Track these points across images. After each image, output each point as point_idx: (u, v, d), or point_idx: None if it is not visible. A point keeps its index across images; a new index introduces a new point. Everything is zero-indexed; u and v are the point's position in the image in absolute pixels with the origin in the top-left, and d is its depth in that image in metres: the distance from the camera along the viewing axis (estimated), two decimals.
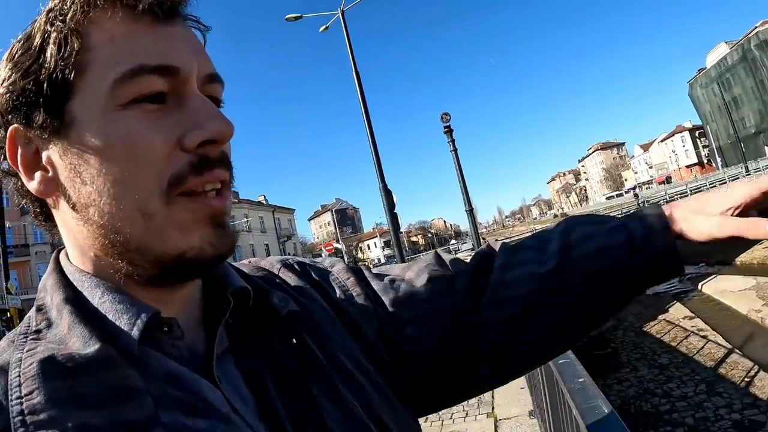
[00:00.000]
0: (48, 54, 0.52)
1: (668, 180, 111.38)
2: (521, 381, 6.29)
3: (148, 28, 0.54)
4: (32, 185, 0.56)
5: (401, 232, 21.32)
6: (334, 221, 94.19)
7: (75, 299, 0.56)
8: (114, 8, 0.53)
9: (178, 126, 0.54)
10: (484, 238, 19.19)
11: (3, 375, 0.49)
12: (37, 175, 0.56)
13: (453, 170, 9.03)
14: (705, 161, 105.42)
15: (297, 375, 0.63)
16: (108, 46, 0.52)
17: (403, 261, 19.07)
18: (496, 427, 5.31)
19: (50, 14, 0.53)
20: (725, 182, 36.80)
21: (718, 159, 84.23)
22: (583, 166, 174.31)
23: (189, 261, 0.55)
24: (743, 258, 26.92)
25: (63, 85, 0.52)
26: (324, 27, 20.19)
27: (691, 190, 33.41)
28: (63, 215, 0.58)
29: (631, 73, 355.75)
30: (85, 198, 0.54)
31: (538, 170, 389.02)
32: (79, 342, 0.51)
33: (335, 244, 42.78)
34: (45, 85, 0.52)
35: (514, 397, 5.96)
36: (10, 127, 0.55)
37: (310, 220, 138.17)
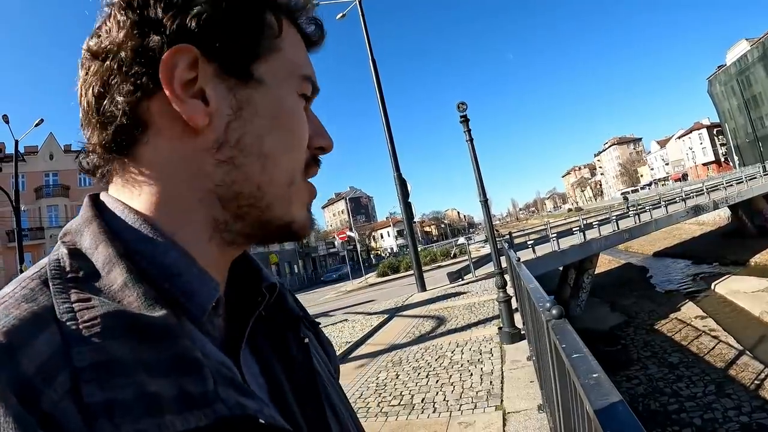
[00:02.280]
0: (259, 14, 0.59)
1: (684, 177, 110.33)
2: (531, 375, 6.29)
3: (306, 51, 0.67)
4: (184, 107, 0.54)
5: (415, 222, 21.32)
6: (347, 209, 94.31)
7: (132, 254, 0.52)
8: (294, 26, 0.65)
9: (310, 127, 0.65)
10: (497, 230, 19.16)
11: (52, 324, 0.44)
12: (194, 102, 0.55)
13: (468, 161, 8.95)
14: (722, 159, 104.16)
15: (307, 372, 0.68)
16: (293, 48, 0.64)
17: (416, 250, 19.17)
18: (504, 420, 5.29)
19: None
20: (741, 181, 36.36)
21: (736, 158, 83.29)
22: (598, 160, 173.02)
23: (291, 229, 0.63)
24: (757, 259, 26.67)
25: (260, 48, 0.59)
26: (341, 14, 20.14)
27: (707, 189, 32.99)
28: (189, 149, 0.56)
29: (651, 68, 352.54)
30: (249, 148, 0.57)
31: (553, 163, 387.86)
32: (139, 303, 0.48)
33: (348, 232, 42.76)
34: (250, 34, 0.58)
35: (523, 391, 5.96)
36: (182, 44, 0.54)
37: (323, 207, 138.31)
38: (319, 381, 0.69)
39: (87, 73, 0.57)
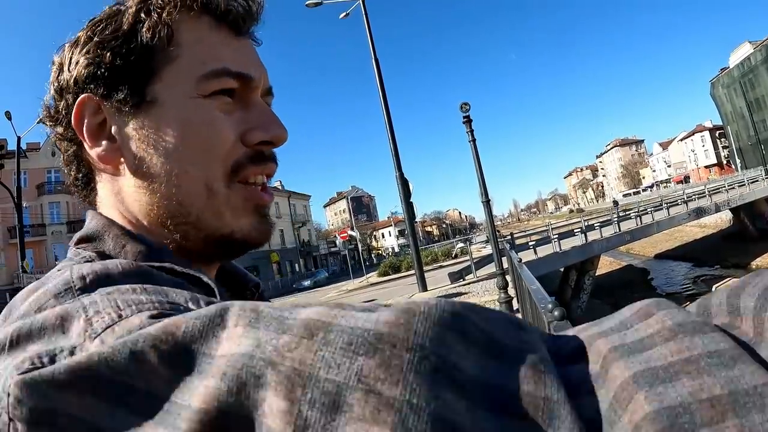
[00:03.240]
0: (140, 38, 0.59)
1: (686, 179, 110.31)
2: None
3: (228, 39, 0.64)
4: (96, 151, 0.60)
5: (416, 222, 21.31)
6: (349, 209, 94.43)
7: (158, 253, 0.58)
8: (201, 15, 0.62)
9: (243, 123, 0.63)
10: (498, 231, 19.15)
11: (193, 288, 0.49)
12: (104, 143, 0.60)
13: (470, 161, 8.97)
14: (724, 162, 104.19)
15: None
16: (196, 46, 0.61)
17: (417, 250, 19.13)
18: None
19: (144, 3, 0.60)
20: (743, 184, 36.33)
21: (738, 160, 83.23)
22: (600, 162, 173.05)
23: (235, 241, 0.63)
24: (759, 262, 26.66)
25: (150, 69, 0.59)
26: (345, 13, 20.14)
27: (709, 191, 32.96)
28: (119, 184, 0.62)
29: (654, 70, 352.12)
30: (156, 169, 0.59)
31: (555, 164, 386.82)
32: (177, 296, 0.48)
33: (350, 232, 42.71)
34: (133, 65, 0.59)
35: None
36: (82, 95, 0.59)
37: (325, 206, 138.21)
38: None
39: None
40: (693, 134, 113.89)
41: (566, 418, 0.27)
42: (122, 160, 0.60)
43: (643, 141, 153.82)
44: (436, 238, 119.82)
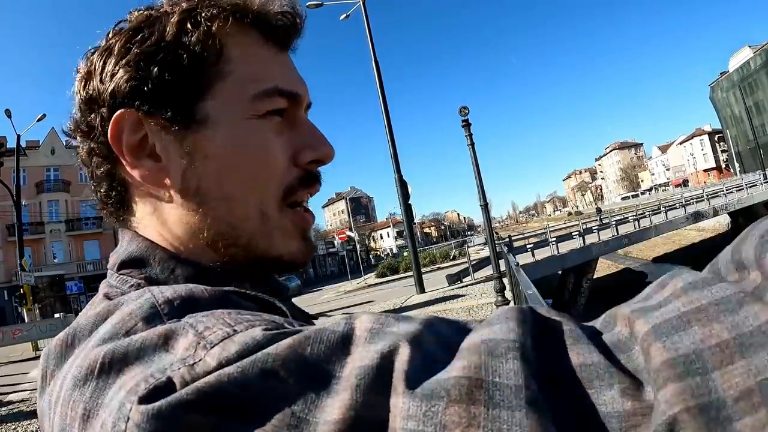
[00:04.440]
0: (189, 52, 0.56)
1: (685, 183, 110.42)
2: None
3: (276, 56, 0.62)
4: (138, 171, 0.56)
5: (415, 223, 21.33)
6: (348, 209, 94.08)
7: (210, 273, 0.56)
8: (250, 29, 0.60)
9: (293, 143, 0.61)
10: (497, 233, 19.18)
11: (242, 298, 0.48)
12: (146, 161, 0.57)
13: (469, 163, 8.99)
14: (723, 166, 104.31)
15: None
16: (246, 62, 0.59)
17: (415, 252, 19.15)
18: None
19: (189, 13, 0.57)
20: (742, 188, 36.37)
21: (737, 164, 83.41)
22: (599, 164, 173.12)
23: (283, 263, 0.62)
24: None
25: (200, 85, 0.57)
26: (345, 15, 20.17)
27: (707, 195, 32.99)
28: (162, 204, 0.59)
29: (653, 73, 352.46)
30: (208, 192, 0.57)
31: (554, 167, 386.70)
32: (272, 318, 0.49)
33: (348, 232, 42.67)
34: (181, 80, 0.56)
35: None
36: (120, 111, 0.55)
37: (323, 207, 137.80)
38: None
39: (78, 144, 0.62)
40: (692, 138, 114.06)
41: (606, 378, 0.30)
42: (167, 181, 0.57)
43: (642, 144, 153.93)
44: (435, 240, 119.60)
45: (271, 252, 0.60)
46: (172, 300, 0.44)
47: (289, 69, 0.64)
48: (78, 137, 0.60)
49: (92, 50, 0.59)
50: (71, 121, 0.61)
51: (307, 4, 19.78)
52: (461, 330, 0.36)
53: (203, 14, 0.56)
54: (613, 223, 25.55)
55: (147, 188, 0.58)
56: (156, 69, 0.54)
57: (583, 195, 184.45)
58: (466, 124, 8.69)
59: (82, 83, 0.58)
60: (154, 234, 0.59)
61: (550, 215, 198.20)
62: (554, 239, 21.81)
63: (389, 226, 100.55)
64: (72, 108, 0.60)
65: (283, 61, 0.64)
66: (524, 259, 18.85)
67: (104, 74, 0.56)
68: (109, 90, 0.55)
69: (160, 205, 0.59)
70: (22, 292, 23.17)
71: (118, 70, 0.55)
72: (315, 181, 0.64)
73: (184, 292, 0.45)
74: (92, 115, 0.57)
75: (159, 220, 0.59)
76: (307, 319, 0.73)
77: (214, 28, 0.57)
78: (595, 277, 23.28)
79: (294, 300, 0.73)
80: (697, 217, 29.31)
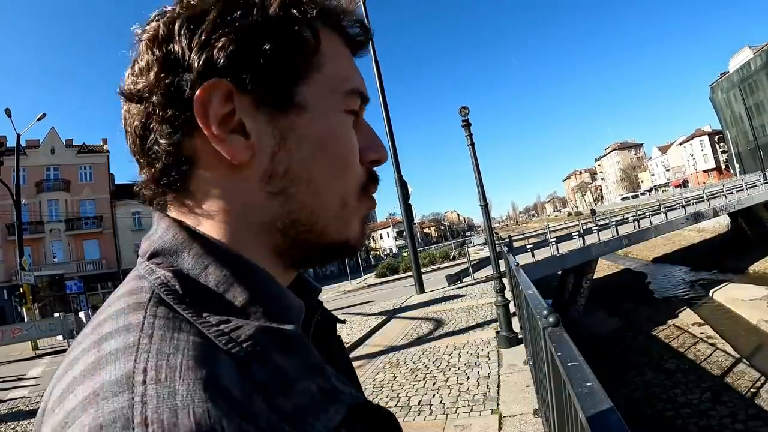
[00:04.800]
0: (295, 33, 0.56)
1: (685, 184, 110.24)
2: (527, 379, 6.31)
3: (351, 58, 0.65)
4: (224, 146, 0.54)
5: (414, 223, 21.34)
6: None
7: (248, 274, 0.53)
8: (333, 31, 0.62)
9: (359, 142, 0.64)
10: (497, 233, 19.17)
11: (218, 350, 0.46)
12: (235, 137, 0.54)
13: (468, 163, 8.96)
14: (723, 167, 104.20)
15: (347, 370, 0.72)
16: (335, 60, 0.61)
17: (415, 252, 19.16)
18: (500, 423, 5.31)
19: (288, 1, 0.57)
20: (742, 189, 36.33)
21: (737, 165, 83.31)
22: (599, 165, 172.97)
23: (349, 247, 0.63)
24: (756, 267, 26.68)
25: (299, 69, 0.57)
26: None
27: (707, 196, 32.95)
28: (237, 184, 0.56)
29: (653, 74, 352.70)
30: (297, 176, 0.57)
31: (554, 167, 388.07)
32: (266, 319, 0.50)
33: None
34: (284, 60, 0.55)
35: (519, 395, 5.98)
36: (213, 79, 0.52)
37: None
38: (355, 374, 0.74)
39: (129, 111, 0.57)
40: (692, 138, 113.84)
41: None
42: (255, 160, 0.55)
43: (642, 145, 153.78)
44: (435, 240, 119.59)
45: (341, 238, 0.62)
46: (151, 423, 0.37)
47: (361, 73, 0.66)
48: (135, 98, 0.55)
49: (160, 14, 0.56)
50: (131, 81, 0.56)
51: None
52: None
53: (305, 3, 0.57)
54: (613, 223, 25.49)
55: (223, 167, 0.55)
56: (261, 44, 0.54)
57: (583, 195, 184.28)
58: (466, 124, 8.67)
59: (156, 43, 0.54)
60: (205, 220, 0.57)
61: (549, 215, 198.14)
62: (554, 239, 21.77)
63: (389, 226, 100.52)
64: (130, 67, 0.57)
65: (356, 66, 0.66)
66: (524, 259, 18.86)
67: (195, 40, 0.53)
68: (202, 57, 0.52)
69: (232, 186, 0.56)
70: (21, 291, 23.19)
71: (217, 38, 0.52)
72: (377, 181, 0.66)
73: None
74: (170, 79, 0.53)
75: (225, 200, 0.56)
76: (334, 323, 0.75)
77: (314, 16, 0.58)
78: (594, 277, 23.26)
79: None
80: (697, 217, 29.26)
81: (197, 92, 0.52)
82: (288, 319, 0.52)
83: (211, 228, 0.56)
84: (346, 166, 0.61)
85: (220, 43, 0.52)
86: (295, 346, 0.50)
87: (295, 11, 0.56)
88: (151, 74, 0.54)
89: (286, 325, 0.50)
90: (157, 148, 0.55)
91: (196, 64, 0.52)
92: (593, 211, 52.02)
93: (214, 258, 0.53)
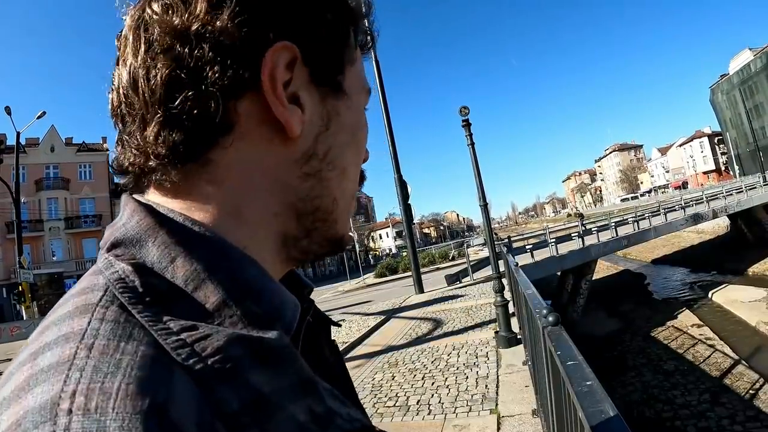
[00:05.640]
0: (349, 19, 0.56)
1: (685, 185, 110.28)
2: (526, 379, 6.31)
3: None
4: (285, 114, 0.49)
5: (414, 223, 21.35)
6: None
7: (221, 267, 0.44)
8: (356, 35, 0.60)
9: None
10: (496, 233, 19.17)
11: (174, 365, 0.37)
12: (294, 108, 0.50)
13: (468, 163, 8.96)
14: (723, 168, 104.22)
15: (341, 375, 0.67)
16: (359, 58, 0.61)
17: (414, 252, 19.16)
18: (498, 424, 5.31)
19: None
20: (741, 191, 36.34)
21: (736, 167, 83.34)
22: (599, 166, 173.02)
23: (343, 243, 0.61)
24: (755, 268, 26.69)
25: (345, 57, 0.56)
26: None
27: (707, 197, 32.95)
28: (269, 159, 0.51)
29: (654, 75, 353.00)
30: (333, 159, 0.55)
31: (553, 168, 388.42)
32: (243, 325, 0.42)
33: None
34: (341, 42, 0.55)
35: (518, 395, 5.98)
36: (287, 42, 0.48)
37: None
38: (352, 383, 0.69)
39: (149, 51, 0.47)
40: (692, 140, 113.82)
41: None
42: (303, 136, 0.52)
43: (641, 146, 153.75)
44: (434, 240, 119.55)
45: (342, 231, 0.60)
46: None
47: None
48: (191, 34, 0.46)
49: None
50: (178, 17, 0.46)
51: None
52: None
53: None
54: (612, 224, 25.50)
55: (264, 139, 0.50)
56: (329, 19, 0.53)
57: (582, 196, 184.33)
58: (466, 124, 8.67)
59: None
60: (207, 200, 0.49)
61: (549, 216, 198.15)
62: (553, 240, 21.76)
63: (388, 227, 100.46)
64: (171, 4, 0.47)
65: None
66: (523, 260, 18.85)
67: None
68: (279, 14, 0.49)
69: (269, 161, 0.51)
70: (20, 289, 23.16)
71: (301, 2, 0.50)
72: (365, 178, 0.67)
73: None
74: (242, 26, 0.47)
75: (252, 177, 0.50)
76: (328, 324, 0.69)
77: (360, 15, 0.59)
78: (594, 278, 23.25)
79: None
80: (696, 219, 29.27)
81: (270, 49, 0.47)
82: (275, 323, 0.45)
83: (206, 208, 0.49)
84: (361, 159, 0.62)
85: (302, 8, 0.50)
86: (280, 360, 0.42)
87: (352, 6, 0.57)
88: (225, 14, 0.46)
89: (269, 333, 0.42)
90: (196, 102, 0.46)
91: (275, 18, 0.48)
92: (581, 215, 51.01)
93: (183, 248, 0.44)
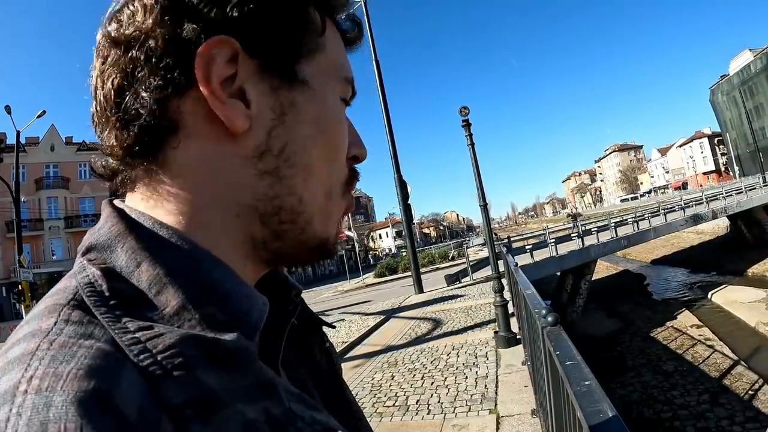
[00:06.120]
0: (306, 6, 0.54)
1: (684, 186, 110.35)
2: (525, 379, 6.31)
3: (344, 50, 0.62)
4: (224, 111, 0.48)
5: (414, 223, 21.36)
6: None
7: (185, 271, 0.46)
8: (332, 21, 0.59)
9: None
10: (496, 234, 19.20)
11: (125, 360, 0.39)
12: (236, 102, 0.49)
13: (468, 163, 8.96)
14: (723, 169, 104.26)
15: (333, 378, 0.66)
16: (335, 46, 0.58)
17: (414, 252, 19.17)
18: (497, 423, 5.32)
19: None
20: (741, 191, 36.33)
21: (736, 167, 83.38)
22: (599, 166, 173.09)
23: (327, 248, 0.58)
24: (755, 269, 26.70)
25: (305, 45, 0.53)
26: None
27: (706, 198, 32.95)
28: (222, 159, 0.50)
29: (654, 76, 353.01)
30: (290, 156, 0.52)
31: (553, 168, 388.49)
32: (202, 327, 0.43)
33: (347, 232, 42.58)
34: (294, 30, 0.52)
35: (517, 395, 5.99)
36: (222, 36, 0.47)
37: None
38: (344, 387, 0.68)
39: (105, 63, 0.50)
40: (692, 141, 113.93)
41: None
42: (251, 132, 0.50)
43: (641, 147, 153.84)
44: (434, 240, 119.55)
45: (322, 234, 0.57)
46: None
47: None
48: (125, 43, 0.48)
49: None
50: (116, 24, 0.49)
51: None
52: None
53: None
54: (612, 225, 25.50)
55: (211, 137, 0.50)
56: (276, 8, 0.50)
57: (582, 197, 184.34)
58: (467, 124, 8.68)
59: None
60: (168, 201, 0.50)
61: (548, 217, 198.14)
62: (553, 240, 21.77)
63: (388, 226, 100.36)
64: (113, 11, 0.50)
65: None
66: (523, 260, 18.85)
67: None
68: (215, 8, 0.48)
69: (218, 160, 0.50)
70: (20, 288, 23.10)
71: None
72: (357, 176, 0.63)
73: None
74: (172, 25, 0.47)
75: (204, 177, 0.50)
76: (320, 324, 0.69)
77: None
78: (593, 278, 23.26)
79: None
80: (696, 219, 29.27)
81: (202, 45, 0.47)
82: (240, 326, 0.45)
83: (175, 212, 0.50)
84: (337, 154, 0.57)
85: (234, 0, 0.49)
86: (235, 362, 0.42)
87: None
88: (150, 19, 0.47)
89: (225, 335, 0.42)
90: (137, 105, 0.48)
91: (205, 16, 0.47)
92: (574, 216, 49.99)
93: (149, 254, 0.45)
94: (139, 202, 0.51)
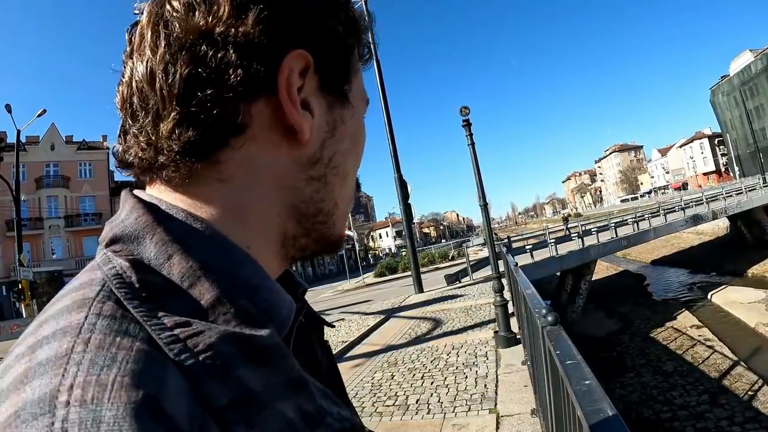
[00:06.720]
0: (357, 29, 0.59)
1: (684, 186, 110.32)
2: (525, 379, 6.31)
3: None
4: (298, 118, 0.50)
5: (414, 223, 21.35)
6: None
7: (218, 265, 0.45)
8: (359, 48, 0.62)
9: None
10: (496, 233, 19.20)
11: (167, 360, 0.38)
12: (305, 114, 0.52)
13: (468, 163, 8.95)
14: (723, 169, 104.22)
15: (333, 376, 0.68)
16: (361, 71, 0.63)
17: (414, 252, 19.16)
18: (497, 423, 5.32)
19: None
20: (741, 192, 36.32)
21: (736, 168, 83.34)
22: (599, 167, 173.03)
23: (339, 243, 0.63)
24: (754, 270, 26.69)
25: (351, 68, 0.59)
26: None
27: (706, 198, 32.94)
28: (281, 161, 0.52)
29: (654, 76, 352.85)
30: (336, 165, 0.58)
31: (553, 169, 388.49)
32: (237, 322, 0.42)
33: (347, 232, 42.76)
34: (349, 53, 0.58)
35: (517, 395, 5.99)
36: (302, 50, 0.50)
37: None
38: (344, 386, 0.70)
39: (169, 47, 0.47)
40: (692, 141, 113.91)
41: None
42: (311, 141, 0.53)
43: (642, 147, 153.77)
44: (434, 240, 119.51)
45: (339, 232, 0.62)
46: None
47: None
48: (213, 35, 0.47)
49: None
50: (209, 18, 0.47)
51: None
52: None
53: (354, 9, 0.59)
54: (612, 225, 25.49)
55: (271, 142, 0.51)
56: (340, 28, 0.55)
57: (582, 197, 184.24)
58: (467, 124, 8.68)
59: None
60: (209, 200, 0.49)
61: (548, 217, 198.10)
62: (553, 240, 21.77)
63: (388, 226, 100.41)
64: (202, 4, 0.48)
65: None
66: (523, 260, 18.84)
67: (303, 3, 0.51)
68: (296, 22, 0.50)
69: (275, 163, 0.52)
70: (20, 287, 23.15)
71: (319, 11, 0.53)
72: (360, 185, 0.69)
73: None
74: (266, 30, 0.48)
75: (257, 178, 0.51)
76: (321, 323, 0.70)
77: (365, 31, 0.61)
78: (593, 278, 23.25)
79: None
80: (696, 220, 29.26)
81: (288, 55, 0.49)
82: (269, 321, 0.45)
83: (218, 208, 0.49)
84: (359, 165, 0.64)
85: (320, 19, 0.53)
86: (271, 358, 0.42)
87: (359, 20, 0.59)
88: (249, 18, 0.47)
89: (261, 331, 0.42)
90: (211, 100, 0.46)
91: (293, 25, 0.50)
92: (566, 218, 49.23)
93: (180, 246, 0.45)
94: (171, 195, 0.50)
